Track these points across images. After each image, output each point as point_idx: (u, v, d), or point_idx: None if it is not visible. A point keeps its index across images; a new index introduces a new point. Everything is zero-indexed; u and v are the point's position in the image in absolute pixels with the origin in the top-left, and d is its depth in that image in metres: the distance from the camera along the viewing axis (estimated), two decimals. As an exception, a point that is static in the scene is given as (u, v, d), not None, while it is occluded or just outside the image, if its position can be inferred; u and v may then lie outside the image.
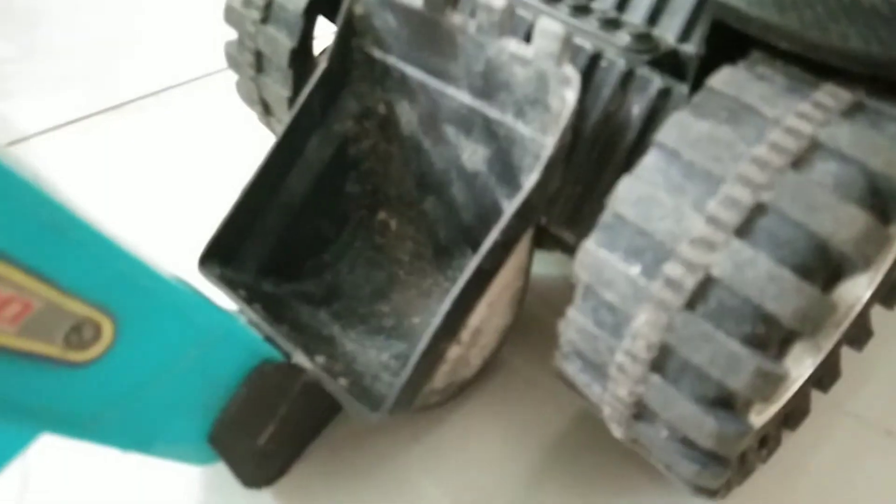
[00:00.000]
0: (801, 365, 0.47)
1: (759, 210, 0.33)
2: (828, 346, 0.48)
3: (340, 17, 0.48)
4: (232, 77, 0.64)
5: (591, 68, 0.44)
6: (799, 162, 0.33)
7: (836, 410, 0.53)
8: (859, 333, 0.50)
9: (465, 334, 0.45)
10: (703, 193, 0.34)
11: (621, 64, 0.43)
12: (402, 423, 0.50)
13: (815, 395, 0.51)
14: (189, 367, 0.37)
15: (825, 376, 0.50)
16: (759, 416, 0.45)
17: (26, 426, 0.32)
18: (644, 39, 0.44)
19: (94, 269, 0.30)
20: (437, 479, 0.47)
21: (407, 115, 0.50)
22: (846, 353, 0.51)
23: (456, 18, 0.44)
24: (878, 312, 0.50)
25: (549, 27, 0.39)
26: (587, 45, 0.44)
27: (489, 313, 0.46)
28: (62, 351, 0.31)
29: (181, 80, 0.84)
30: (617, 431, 0.41)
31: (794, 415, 0.50)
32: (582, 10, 0.46)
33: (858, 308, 0.47)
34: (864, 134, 0.34)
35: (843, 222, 0.32)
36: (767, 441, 0.48)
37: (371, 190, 0.55)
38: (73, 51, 0.89)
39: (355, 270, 0.56)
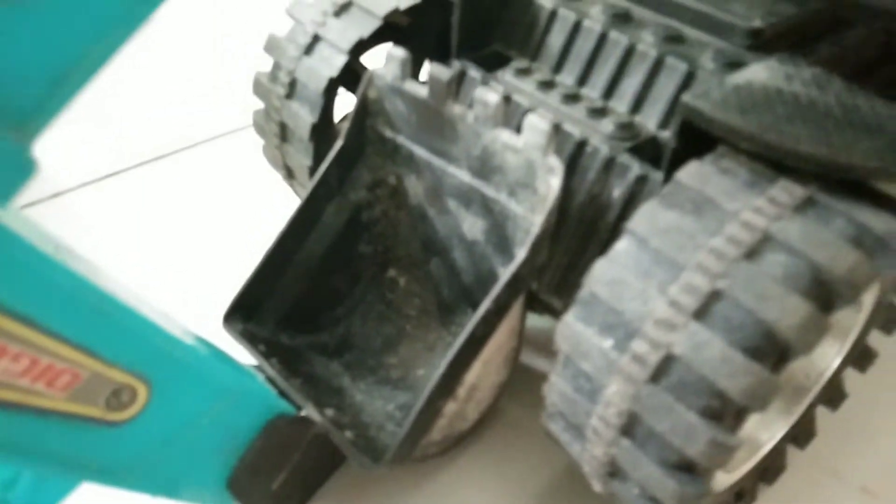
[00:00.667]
0: (772, 428, 0.50)
1: (714, 296, 0.37)
2: (799, 409, 0.51)
3: (356, 99, 0.54)
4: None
5: (577, 153, 0.49)
6: (752, 253, 0.37)
7: (815, 467, 0.56)
8: (833, 396, 0.53)
9: (462, 390, 0.50)
10: (667, 279, 0.38)
11: (605, 150, 0.48)
12: (405, 470, 0.54)
13: (797, 453, 0.55)
14: (211, 422, 0.42)
15: (800, 435, 0.54)
16: (732, 474, 0.48)
17: (70, 476, 0.37)
18: (626, 128, 0.48)
19: (133, 343, 0.35)
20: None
21: (414, 187, 0.55)
22: (830, 412, 0.54)
23: (456, 109, 0.49)
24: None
25: (537, 123, 0.44)
26: (575, 132, 0.49)
27: (484, 371, 0.51)
28: (103, 412, 0.36)
29: (213, 134, 0.91)
30: (597, 486, 0.45)
31: (770, 470, 0.53)
32: (572, 98, 0.51)
33: (829, 374, 0.51)
34: (812, 229, 0.37)
35: (787, 311, 0.35)
36: (744, 494, 0.52)
37: (382, 250, 0.60)
38: (105, 105, 0.95)
39: (367, 324, 0.61)
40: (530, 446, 0.55)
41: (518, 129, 0.47)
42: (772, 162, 0.40)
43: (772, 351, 0.36)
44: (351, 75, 0.61)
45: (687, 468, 0.38)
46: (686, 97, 0.41)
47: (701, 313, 0.37)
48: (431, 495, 0.54)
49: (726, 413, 0.37)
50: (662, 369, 0.37)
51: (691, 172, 0.41)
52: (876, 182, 0.39)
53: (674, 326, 0.37)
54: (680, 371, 0.37)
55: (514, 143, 0.46)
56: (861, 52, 0.53)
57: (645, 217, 0.40)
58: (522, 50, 0.56)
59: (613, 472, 0.42)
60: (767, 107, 0.41)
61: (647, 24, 0.52)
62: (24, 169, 0.26)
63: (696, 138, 0.43)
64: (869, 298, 0.45)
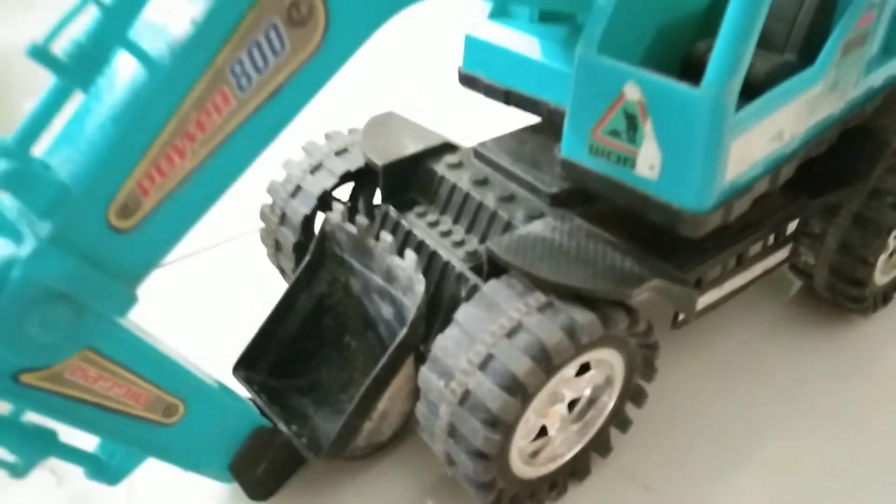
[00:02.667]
0: (571, 443, 0.79)
1: (489, 357, 0.66)
2: (592, 432, 0.80)
3: (318, 230, 0.86)
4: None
5: (444, 269, 0.79)
6: (510, 334, 0.67)
7: (614, 468, 0.84)
8: (620, 422, 0.82)
9: (375, 415, 0.80)
10: (468, 347, 0.68)
11: (458, 268, 0.78)
12: (341, 466, 0.84)
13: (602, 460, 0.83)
14: (220, 428, 0.73)
15: (600, 448, 0.82)
16: (540, 468, 0.77)
17: (142, 451, 0.68)
18: (472, 255, 0.79)
19: (177, 381, 0.67)
20: (362, 495, 0.82)
21: (354, 285, 0.87)
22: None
23: (371, 242, 0.80)
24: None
25: (411, 255, 0.76)
26: (444, 255, 0.80)
27: (391, 403, 0.81)
28: (161, 418, 0.67)
29: (231, 235, 1.24)
30: (447, 471, 0.74)
31: (578, 471, 0.81)
32: (446, 234, 0.82)
33: (610, 409, 0.79)
34: (544, 320, 0.67)
35: (522, 366, 0.65)
36: (556, 485, 0.80)
37: (339, 324, 0.91)
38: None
39: (329, 372, 0.91)
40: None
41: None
42: (532, 281, 0.70)
43: (517, 389, 0.65)
44: (326, 205, 0.93)
45: (480, 455, 0.68)
46: (488, 243, 0.72)
47: (483, 366, 0.67)
48: (360, 485, 0.84)
49: (496, 422, 0.66)
50: (464, 398, 0.67)
51: (490, 286, 0.71)
52: (589, 294, 0.69)
53: (469, 374, 0.67)
54: (472, 399, 0.67)
55: (401, 265, 0.77)
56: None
57: (463, 311, 0.71)
58: (425, 198, 0.88)
59: (449, 461, 0.71)
60: (533, 249, 0.71)
61: (496, 186, 0.84)
62: (132, 302, 0.58)
63: (497, 265, 0.74)
64: (614, 357, 0.74)
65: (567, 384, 0.75)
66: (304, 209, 0.90)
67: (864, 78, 0.82)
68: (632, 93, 0.66)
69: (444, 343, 0.70)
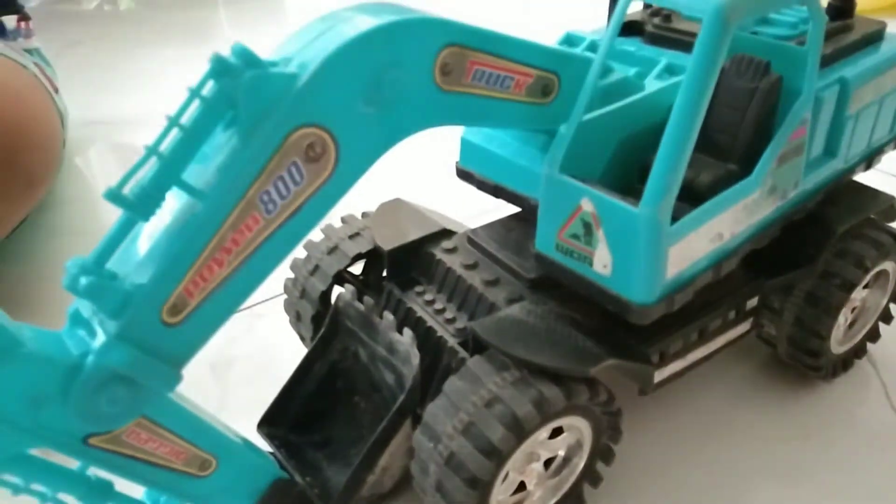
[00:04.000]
0: (548, 497, 0.91)
1: (470, 425, 0.79)
2: (566, 487, 0.91)
3: (332, 307, 1.00)
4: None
5: (438, 343, 0.93)
6: (488, 405, 0.79)
7: None
8: (592, 477, 0.93)
9: (378, 468, 0.92)
10: (453, 415, 0.81)
11: (450, 342, 0.92)
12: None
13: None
14: (244, 479, 0.86)
15: (572, 500, 0.94)
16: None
17: (179, 497, 0.82)
18: (461, 331, 0.92)
19: (209, 441, 0.80)
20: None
21: (363, 354, 1.00)
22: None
23: (376, 318, 0.94)
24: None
25: (408, 333, 0.89)
26: (438, 330, 0.93)
27: (392, 459, 0.93)
28: (197, 471, 0.81)
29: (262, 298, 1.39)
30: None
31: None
32: (440, 312, 0.96)
33: (581, 467, 0.91)
34: (517, 394, 0.79)
35: (496, 433, 0.77)
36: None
37: (350, 386, 1.04)
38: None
39: (342, 430, 1.04)
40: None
41: (412, 329, 0.92)
42: (508, 358, 0.83)
43: (492, 452, 0.78)
44: (341, 281, 1.07)
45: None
46: (472, 323, 0.86)
47: (465, 432, 0.79)
48: (366, 529, 0.96)
49: (474, 481, 0.78)
50: (449, 459, 0.80)
51: (473, 361, 0.84)
52: (554, 370, 0.81)
53: (453, 438, 0.80)
54: (455, 460, 0.79)
55: (401, 340, 0.91)
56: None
57: (450, 382, 0.84)
58: (425, 278, 1.01)
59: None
60: (510, 330, 0.84)
61: (484, 269, 0.97)
62: (178, 380, 0.72)
63: (480, 343, 0.87)
64: (581, 423, 0.87)
65: (542, 445, 0.88)
66: (322, 286, 1.04)
67: (804, 179, 0.95)
68: (587, 206, 0.79)
69: (434, 410, 0.83)
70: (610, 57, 1.06)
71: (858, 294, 1.12)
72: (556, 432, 0.88)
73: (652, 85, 0.98)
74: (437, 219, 1.10)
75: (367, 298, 0.95)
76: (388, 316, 0.92)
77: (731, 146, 0.89)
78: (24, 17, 1.76)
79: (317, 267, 1.07)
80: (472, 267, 0.98)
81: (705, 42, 0.71)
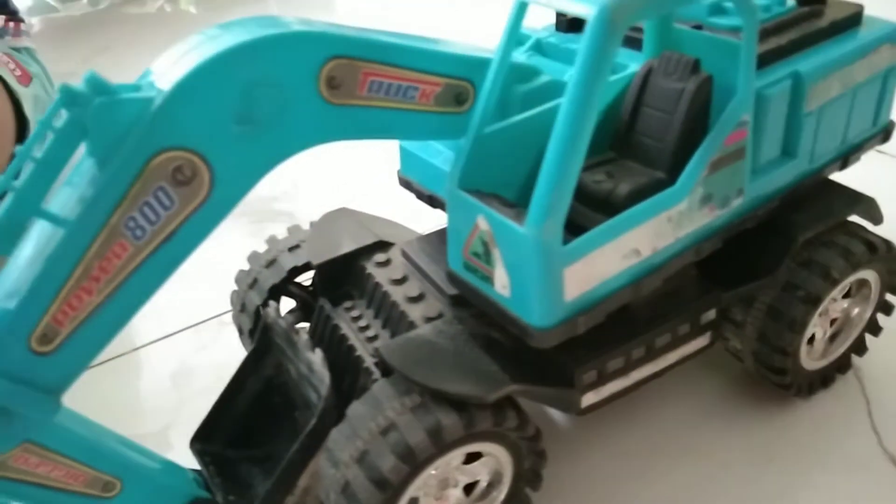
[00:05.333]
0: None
1: (365, 453, 0.76)
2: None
3: (261, 322, 0.99)
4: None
5: (356, 362, 0.90)
6: (384, 432, 0.76)
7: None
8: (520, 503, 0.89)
9: (298, 490, 0.91)
10: (351, 441, 0.78)
11: (367, 362, 0.89)
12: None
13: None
14: (158, 500, 0.86)
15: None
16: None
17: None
18: (377, 352, 0.89)
19: (110, 461, 0.80)
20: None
21: (292, 370, 0.98)
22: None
23: (295, 336, 0.92)
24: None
25: (319, 353, 0.86)
26: (358, 349, 0.90)
27: (313, 480, 0.91)
28: (101, 493, 0.81)
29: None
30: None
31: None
32: (364, 328, 0.93)
33: (506, 492, 0.87)
34: (413, 420, 0.76)
35: (387, 464, 0.74)
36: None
37: (288, 401, 1.03)
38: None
39: (281, 445, 1.03)
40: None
41: (332, 348, 0.89)
42: (411, 382, 0.79)
43: (383, 483, 0.74)
44: (288, 293, 1.06)
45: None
46: (380, 345, 0.82)
47: (359, 460, 0.76)
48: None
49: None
50: (345, 488, 0.77)
51: (378, 385, 0.81)
52: (454, 397, 0.77)
53: (349, 466, 0.77)
54: (350, 490, 0.76)
55: (313, 359, 0.88)
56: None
57: (353, 407, 0.81)
58: (357, 293, 0.99)
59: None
60: (417, 352, 0.80)
61: (411, 284, 0.93)
62: (56, 408, 0.71)
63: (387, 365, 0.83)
64: (495, 448, 0.82)
65: (458, 471, 0.84)
66: (258, 300, 1.03)
67: (751, 185, 0.86)
68: (482, 224, 0.74)
69: (336, 436, 0.80)
70: (554, 56, 1.00)
71: (838, 305, 1.03)
72: (475, 456, 0.84)
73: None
74: (381, 229, 1.06)
75: (287, 316, 0.93)
76: (303, 335, 0.90)
77: (659, 153, 0.83)
78: (13, 18, 1.81)
79: (255, 280, 1.05)
80: (399, 282, 0.94)
81: (589, 47, 0.65)
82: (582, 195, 0.82)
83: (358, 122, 0.79)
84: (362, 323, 0.94)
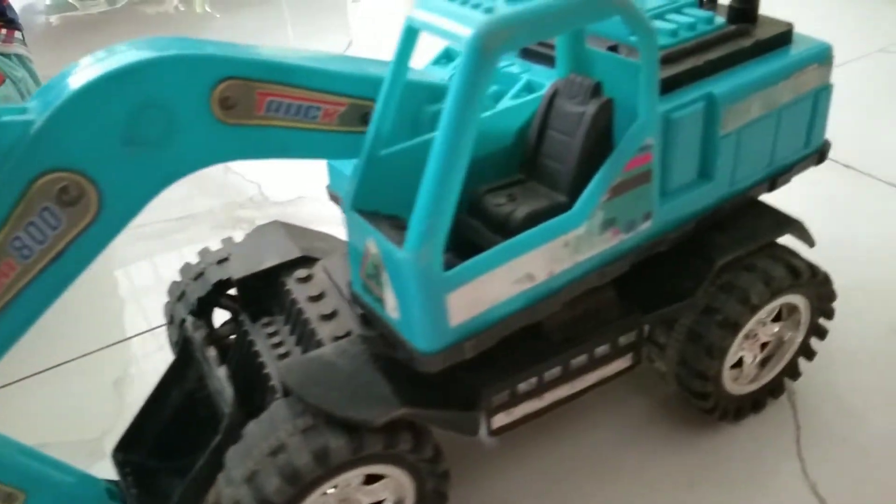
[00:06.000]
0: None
1: (254, 474, 0.76)
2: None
3: (181, 335, 0.99)
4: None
5: (265, 380, 0.90)
6: (273, 453, 0.76)
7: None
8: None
9: (208, 506, 0.91)
10: (245, 460, 0.78)
11: (272, 380, 0.89)
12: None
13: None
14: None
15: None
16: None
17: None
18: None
19: (12, 473, 0.81)
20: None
21: (212, 384, 0.99)
22: None
23: (206, 351, 0.92)
24: None
25: (223, 371, 0.87)
26: (267, 367, 0.91)
27: (220, 496, 0.92)
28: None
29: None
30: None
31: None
32: (277, 346, 0.93)
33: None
34: (302, 443, 0.75)
35: (272, 485, 0.74)
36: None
37: (214, 414, 1.04)
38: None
39: (201, 456, 1.04)
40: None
41: (246, 364, 0.90)
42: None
43: (268, 503, 0.75)
44: (215, 303, 1.06)
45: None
46: (279, 363, 0.82)
47: (248, 481, 0.76)
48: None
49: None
50: (235, 505, 0.77)
51: (276, 404, 0.81)
52: (343, 419, 0.77)
53: (239, 486, 0.77)
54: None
55: (219, 374, 0.89)
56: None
57: (250, 426, 0.80)
58: (277, 308, 0.99)
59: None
60: (315, 372, 0.80)
61: (327, 301, 0.93)
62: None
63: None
64: (392, 470, 0.82)
65: (361, 491, 0.84)
66: (183, 313, 1.04)
67: (661, 208, 0.85)
68: (371, 246, 0.74)
69: (231, 454, 0.81)
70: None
71: (768, 329, 1.01)
72: (379, 476, 0.84)
73: (505, 106, 0.91)
74: (312, 243, 1.07)
75: (200, 332, 0.93)
76: (211, 351, 0.91)
77: (561, 176, 0.82)
78: (7, 25, 1.85)
79: (183, 293, 1.06)
80: (316, 298, 0.94)
81: (462, 73, 0.64)
82: (485, 218, 0.82)
83: (257, 141, 0.79)
84: (276, 340, 0.94)
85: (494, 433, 0.90)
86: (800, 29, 0.96)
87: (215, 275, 1.04)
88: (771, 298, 0.93)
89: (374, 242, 0.74)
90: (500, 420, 0.89)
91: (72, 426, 1.20)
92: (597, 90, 0.79)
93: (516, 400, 0.89)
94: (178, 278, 1.09)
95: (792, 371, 1.06)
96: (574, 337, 0.91)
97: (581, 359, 0.92)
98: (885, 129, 1.73)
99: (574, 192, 0.80)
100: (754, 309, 0.92)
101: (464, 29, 0.65)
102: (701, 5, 1.01)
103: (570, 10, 0.68)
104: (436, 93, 0.88)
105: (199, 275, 1.06)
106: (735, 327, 0.92)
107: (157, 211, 1.74)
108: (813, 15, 2.18)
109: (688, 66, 0.86)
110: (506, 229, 0.78)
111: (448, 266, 0.70)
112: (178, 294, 1.06)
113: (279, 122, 0.79)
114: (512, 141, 0.89)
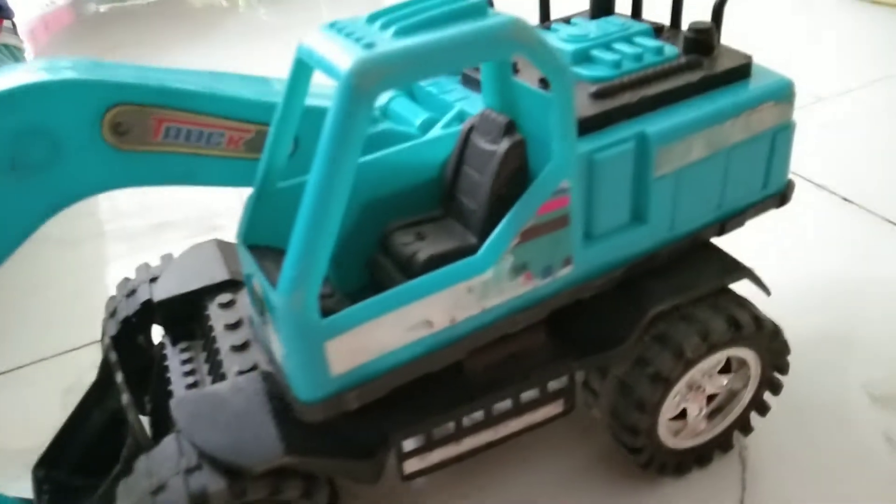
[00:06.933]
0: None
1: (159, 489, 0.73)
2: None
3: (103, 355, 0.97)
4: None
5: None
6: (155, 491, 0.73)
7: None
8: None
9: (111, 532, 0.89)
10: (130, 497, 0.76)
11: (178, 410, 0.86)
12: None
13: None
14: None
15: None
16: None
17: None
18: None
19: None
20: None
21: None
22: None
23: (116, 375, 0.90)
24: None
25: (126, 397, 0.84)
26: (179, 393, 0.88)
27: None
28: None
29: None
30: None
31: None
32: (189, 374, 0.90)
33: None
34: (181, 485, 0.73)
35: None
36: None
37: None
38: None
39: (122, 476, 1.02)
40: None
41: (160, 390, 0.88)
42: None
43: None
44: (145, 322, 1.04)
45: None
46: (173, 398, 0.80)
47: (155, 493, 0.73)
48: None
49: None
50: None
51: (167, 440, 0.78)
52: (226, 463, 0.73)
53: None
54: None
55: (124, 400, 0.87)
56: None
57: (140, 460, 0.78)
58: (199, 332, 0.96)
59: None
60: (207, 408, 0.77)
61: (244, 331, 0.90)
62: None
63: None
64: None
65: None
66: (112, 331, 1.02)
67: (585, 253, 0.80)
68: (257, 287, 0.71)
69: (122, 487, 0.78)
70: (424, 102, 0.96)
71: (716, 381, 0.94)
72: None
73: (435, 135, 0.87)
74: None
75: (111, 354, 0.91)
76: (118, 376, 0.88)
77: (474, 216, 0.77)
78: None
79: (115, 310, 1.04)
80: (233, 327, 0.91)
81: (336, 114, 0.60)
82: (393, 257, 0.78)
83: (156, 167, 0.76)
84: (190, 367, 0.92)
85: (407, 478, 0.86)
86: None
87: (146, 293, 1.02)
88: (708, 353, 0.87)
89: (257, 280, 0.70)
90: (413, 465, 0.85)
91: (15, 433, 1.20)
92: (510, 128, 0.74)
93: (431, 445, 0.85)
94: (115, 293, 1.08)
95: (743, 426, 0.99)
96: (498, 380, 0.86)
97: (505, 403, 0.87)
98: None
99: (485, 233, 0.75)
100: (689, 364, 0.86)
101: (340, 65, 0.61)
102: (659, 33, 0.95)
103: (462, 47, 0.63)
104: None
105: (132, 292, 1.04)
106: (667, 382, 0.86)
107: (133, 217, 1.75)
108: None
109: (622, 102, 0.80)
110: (409, 271, 0.74)
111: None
112: (111, 310, 1.05)
113: (179, 149, 0.76)
114: (438, 173, 0.85)
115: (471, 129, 0.78)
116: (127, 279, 1.08)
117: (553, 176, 0.73)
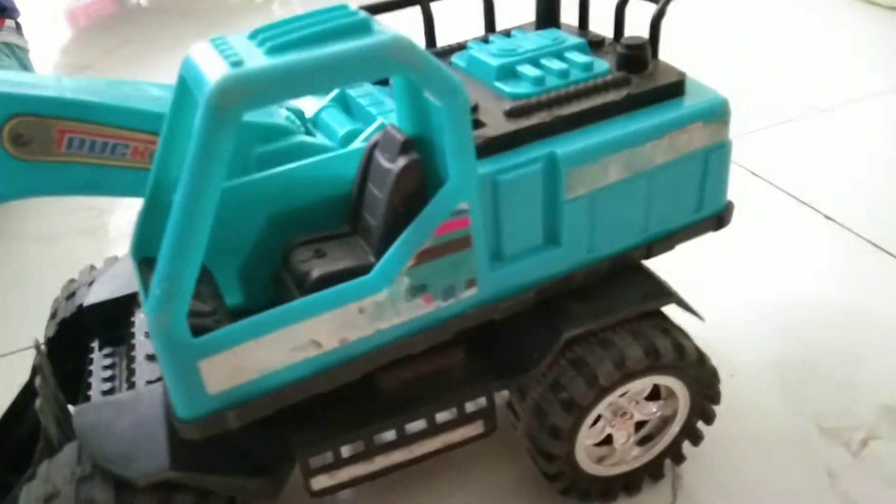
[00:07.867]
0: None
1: (51, 497, 0.73)
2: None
3: (34, 363, 0.99)
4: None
5: (86, 414, 0.88)
6: (48, 499, 0.74)
7: None
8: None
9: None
10: (37, 493, 0.76)
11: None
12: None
13: None
14: None
15: None
16: None
17: None
18: (103, 406, 0.87)
19: None
20: None
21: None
22: None
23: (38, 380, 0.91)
24: None
25: (38, 401, 0.85)
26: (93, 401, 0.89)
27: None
28: None
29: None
30: None
31: None
32: (108, 379, 0.91)
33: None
34: (73, 492, 0.73)
35: None
36: None
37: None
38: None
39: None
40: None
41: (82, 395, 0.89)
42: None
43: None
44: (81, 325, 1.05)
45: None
46: (78, 405, 0.80)
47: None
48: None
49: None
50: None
51: (68, 446, 0.79)
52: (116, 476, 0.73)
53: None
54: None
55: (36, 406, 0.87)
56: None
57: (43, 466, 0.79)
58: (127, 339, 0.97)
59: None
60: (107, 416, 0.77)
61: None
62: None
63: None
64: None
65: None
66: (50, 332, 1.03)
67: (491, 275, 0.78)
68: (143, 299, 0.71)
69: (25, 492, 0.79)
70: (357, 114, 0.95)
71: (644, 408, 0.92)
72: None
73: (353, 148, 0.86)
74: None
75: (37, 359, 0.92)
76: (38, 380, 0.89)
77: (373, 235, 0.76)
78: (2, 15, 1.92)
79: (56, 312, 1.06)
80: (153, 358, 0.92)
81: (200, 133, 0.59)
82: (292, 273, 0.77)
83: (61, 177, 0.77)
84: (110, 373, 0.92)
85: (315, 495, 0.85)
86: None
87: (82, 296, 1.03)
88: (623, 381, 0.84)
89: (142, 297, 0.70)
90: (322, 482, 0.85)
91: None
92: (406, 147, 0.73)
93: (340, 462, 0.84)
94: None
95: (675, 454, 0.96)
96: (412, 399, 0.85)
97: (419, 423, 0.86)
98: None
99: (383, 253, 0.74)
100: (603, 391, 0.83)
101: (205, 82, 0.60)
102: (599, 47, 0.93)
103: (336, 67, 0.62)
104: (268, 133, 0.83)
105: (72, 295, 1.05)
106: (580, 409, 0.83)
107: (116, 213, 1.77)
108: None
109: (535, 121, 0.78)
110: (302, 289, 0.73)
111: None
112: (53, 311, 1.06)
113: (83, 159, 0.77)
114: (349, 188, 0.84)
115: (374, 146, 0.77)
116: (72, 280, 1.10)
117: (449, 197, 0.71)
